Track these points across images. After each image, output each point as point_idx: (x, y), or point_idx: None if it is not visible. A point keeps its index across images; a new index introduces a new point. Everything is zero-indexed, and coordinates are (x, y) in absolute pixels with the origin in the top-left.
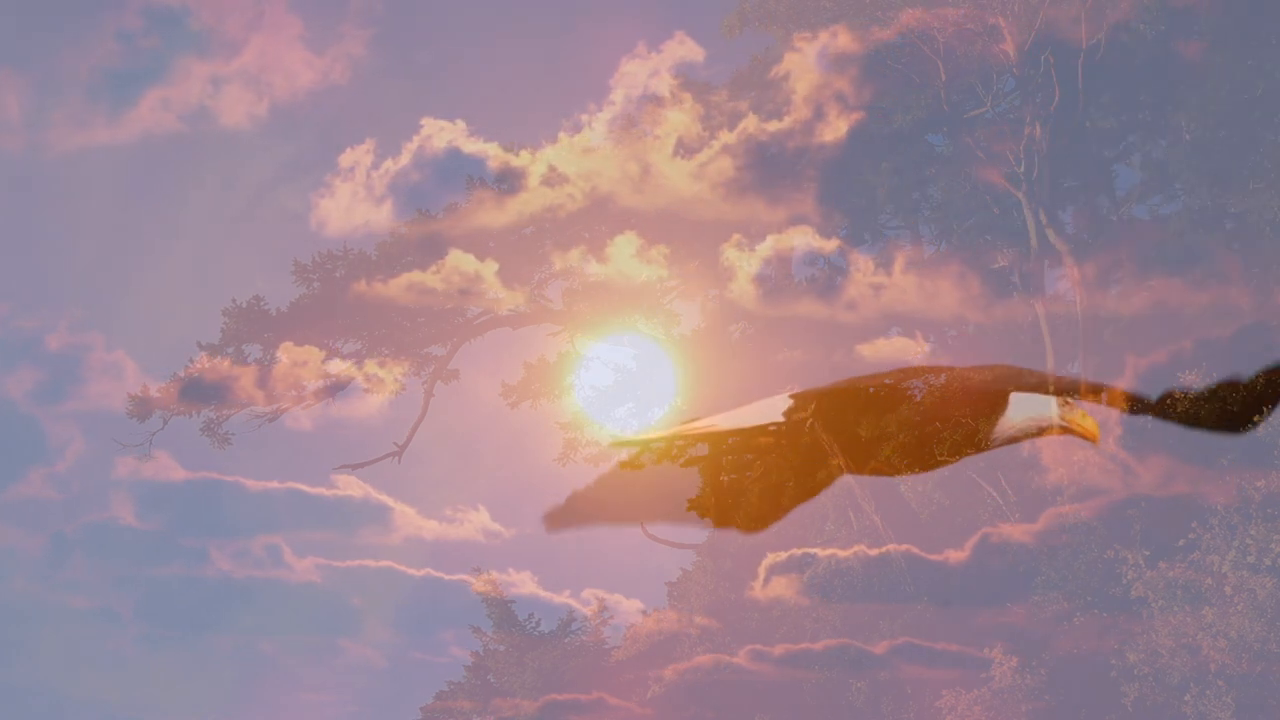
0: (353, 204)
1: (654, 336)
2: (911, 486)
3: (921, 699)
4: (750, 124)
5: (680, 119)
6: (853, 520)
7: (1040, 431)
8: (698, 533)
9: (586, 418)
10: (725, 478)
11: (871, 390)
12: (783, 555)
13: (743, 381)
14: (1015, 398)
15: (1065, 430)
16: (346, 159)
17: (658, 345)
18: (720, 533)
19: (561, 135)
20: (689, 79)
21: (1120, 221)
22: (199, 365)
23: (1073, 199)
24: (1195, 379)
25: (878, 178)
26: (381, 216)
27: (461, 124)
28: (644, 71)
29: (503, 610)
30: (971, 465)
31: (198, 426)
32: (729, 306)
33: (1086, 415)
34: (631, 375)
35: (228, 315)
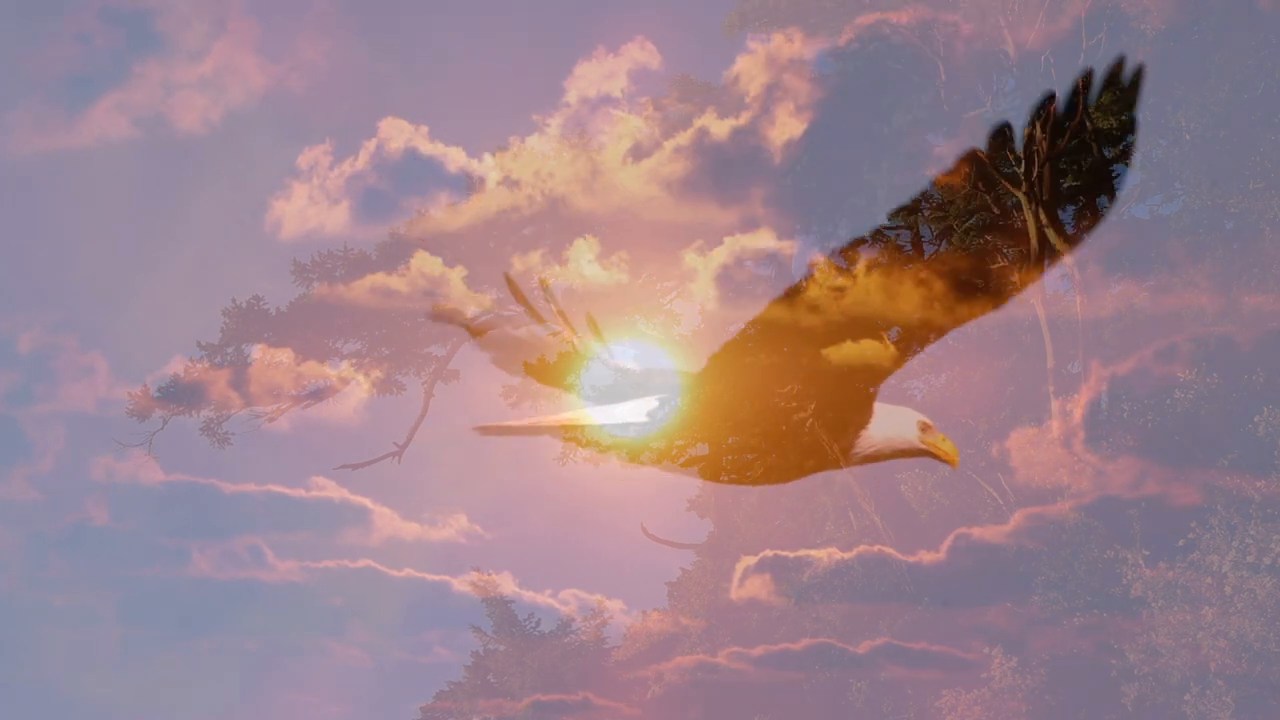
0: (308, 206)
1: (654, 337)
2: (911, 486)
3: (921, 699)
4: (708, 122)
5: (636, 123)
6: (853, 520)
7: (901, 453)
8: (698, 532)
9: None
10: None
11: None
12: (753, 559)
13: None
14: (880, 411)
15: (925, 454)
16: (304, 160)
17: (658, 345)
18: (720, 532)
19: (513, 139)
20: (646, 83)
21: (1120, 221)
22: (179, 367)
23: (1073, 199)
24: (1192, 377)
25: (878, 177)
26: (337, 219)
27: (424, 128)
28: (598, 74)
29: (502, 610)
30: (971, 465)
31: (197, 427)
32: (726, 307)
33: (946, 439)
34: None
35: (227, 315)
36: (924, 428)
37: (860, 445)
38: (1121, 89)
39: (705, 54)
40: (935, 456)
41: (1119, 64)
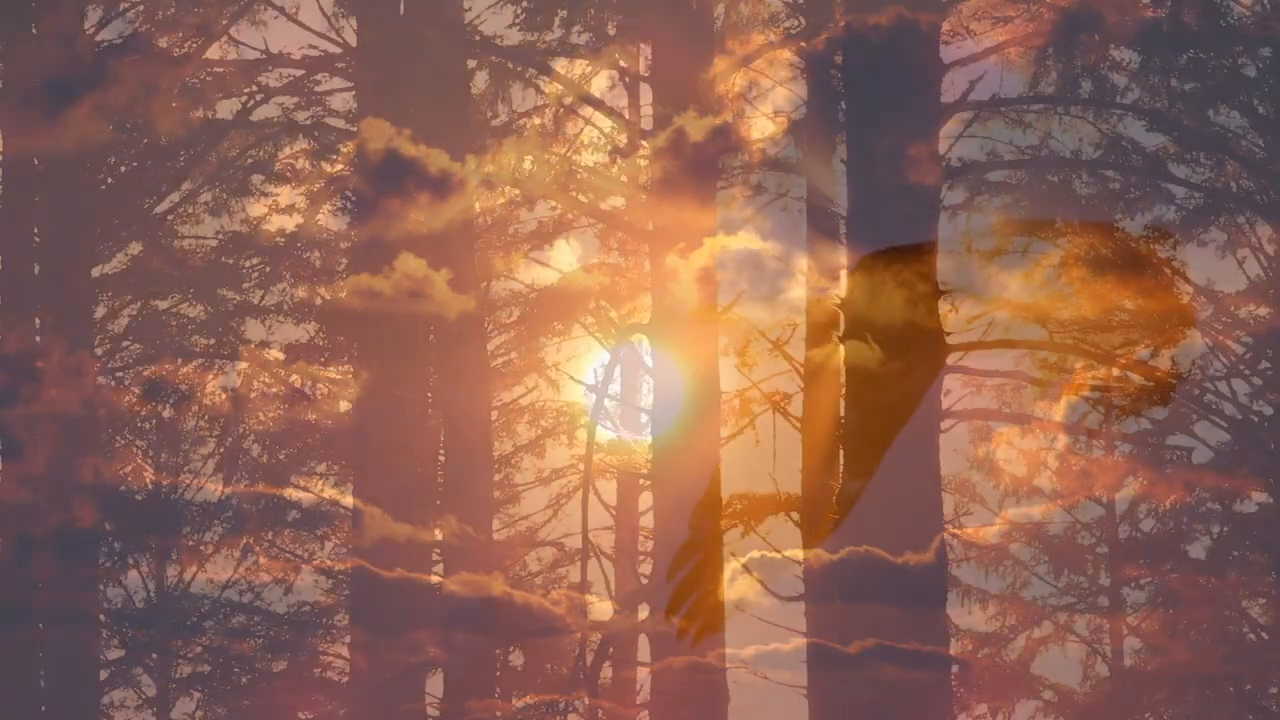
0: (289, 207)
1: (653, 337)
2: None
3: (921, 699)
4: (689, 122)
5: (615, 123)
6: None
7: None
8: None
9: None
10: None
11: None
12: (740, 559)
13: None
14: None
15: None
16: (284, 161)
17: (658, 345)
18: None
19: (490, 140)
20: (629, 84)
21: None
22: (171, 367)
23: None
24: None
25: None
26: (320, 220)
27: (407, 130)
28: (579, 75)
29: (500, 610)
30: (971, 464)
31: (191, 427)
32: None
33: None
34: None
35: (227, 316)
36: None
37: None
38: None
39: (692, 54)
40: None
41: None
